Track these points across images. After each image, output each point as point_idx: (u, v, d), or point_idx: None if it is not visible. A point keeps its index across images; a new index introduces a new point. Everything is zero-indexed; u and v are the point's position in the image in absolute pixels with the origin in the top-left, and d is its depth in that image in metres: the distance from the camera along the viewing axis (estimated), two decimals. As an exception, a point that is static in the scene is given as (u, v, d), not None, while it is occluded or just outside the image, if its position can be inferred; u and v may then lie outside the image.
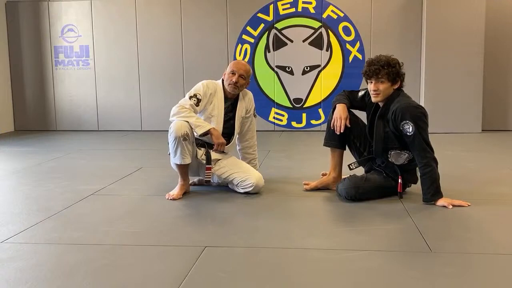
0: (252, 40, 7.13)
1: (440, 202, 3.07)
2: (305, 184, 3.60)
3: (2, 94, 7.49)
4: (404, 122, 3.05)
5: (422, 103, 6.78)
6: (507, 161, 4.73)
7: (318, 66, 7.07)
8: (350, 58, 7.03)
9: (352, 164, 3.45)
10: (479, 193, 3.46)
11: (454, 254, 2.32)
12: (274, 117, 7.23)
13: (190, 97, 3.42)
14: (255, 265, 2.24)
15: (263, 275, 2.13)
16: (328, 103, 7.05)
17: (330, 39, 7.03)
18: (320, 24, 7.02)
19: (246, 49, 7.15)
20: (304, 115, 7.19)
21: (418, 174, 3.16)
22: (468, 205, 3.06)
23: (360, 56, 6.99)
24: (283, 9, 7.06)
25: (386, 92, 3.16)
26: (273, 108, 7.21)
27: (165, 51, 7.29)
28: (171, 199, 3.35)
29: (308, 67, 7.08)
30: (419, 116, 3.06)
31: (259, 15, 7.09)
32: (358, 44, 6.99)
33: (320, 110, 7.14)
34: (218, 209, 3.16)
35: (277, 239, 2.57)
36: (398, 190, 3.23)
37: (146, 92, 7.40)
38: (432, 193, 3.08)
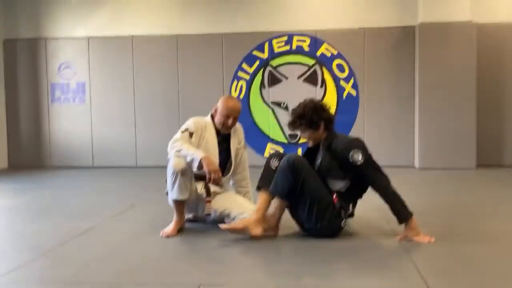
0: (247, 77, 7.22)
1: (420, 238, 3.04)
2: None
3: (-3, 131, 7.49)
4: (351, 153, 3.08)
5: (416, 140, 6.83)
6: (503, 197, 4.74)
7: (313, 102, 7.12)
8: (344, 95, 7.11)
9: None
10: (477, 230, 3.44)
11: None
12: (269, 153, 7.23)
13: (182, 132, 3.44)
14: (250, 304, 2.20)
15: (259, 314, 2.08)
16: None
17: (324, 76, 7.12)
18: (314, 61, 7.13)
19: (241, 85, 7.23)
20: (299, 150, 7.21)
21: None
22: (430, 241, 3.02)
23: (354, 93, 7.07)
24: (278, 47, 7.18)
25: (314, 136, 3.29)
26: (268, 143, 7.23)
27: (162, 87, 7.36)
28: (165, 237, 3.31)
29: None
30: (361, 145, 3.15)
31: (255, 52, 7.20)
32: (352, 81, 7.08)
33: (315, 146, 7.16)
34: (213, 246, 3.11)
35: (273, 277, 2.53)
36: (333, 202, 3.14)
37: (142, 129, 7.42)
38: (405, 210, 3.05)
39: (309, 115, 3.23)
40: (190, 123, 3.51)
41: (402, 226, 3.10)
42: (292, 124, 3.33)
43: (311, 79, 7.14)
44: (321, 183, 3.15)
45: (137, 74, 7.39)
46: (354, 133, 6.96)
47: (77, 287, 2.43)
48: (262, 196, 3.23)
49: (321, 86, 7.14)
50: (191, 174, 3.36)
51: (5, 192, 5.42)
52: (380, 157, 7.43)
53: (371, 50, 7.03)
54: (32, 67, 7.58)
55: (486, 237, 3.24)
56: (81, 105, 7.51)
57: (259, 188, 3.28)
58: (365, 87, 7.06)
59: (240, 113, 3.62)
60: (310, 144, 3.35)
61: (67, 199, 4.90)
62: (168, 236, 3.31)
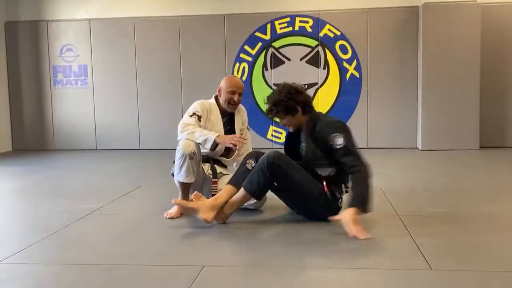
0: (250, 59, 7.18)
1: (354, 228, 2.81)
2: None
3: (1, 114, 7.50)
4: (333, 135, 3.03)
5: (419, 121, 6.82)
6: (506, 178, 4.74)
7: (316, 84, 7.11)
8: (347, 76, 7.07)
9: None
10: (479, 211, 3.46)
11: (454, 272, 2.31)
12: (272, 135, 7.24)
13: (190, 116, 3.45)
14: (254, 285, 2.22)
15: (262, 294, 2.11)
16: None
17: (327, 57, 7.08)
18: (317, 42, 7.08)
19: (244, 67, 7.20)
20: (302, 132, 7.20)
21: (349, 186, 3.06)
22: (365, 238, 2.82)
23: (357, 74, 7.04)
24: (280, 28, 7.13)
25: (294, 122, 3.24)
26: (271, 126, 7.23)
27: (164, 70, 7.34)
28: (169, 218, 3.34)
29: (306, 85, 7.12)
30: (344, 128, 3.08)
31: (257, 34, 7.15)
32: (355, 62, 7.04)
33: (318, 128, 7.15)
34: (216, 228, 3.14)
35: (276, 258, 2.55)
36: (325, 190, 3.10)
37: (144, 111, 7.42)
38: (369, 202, 2.91)
39: (285, 101, 3.17)
40: (196, 106, 3.53)
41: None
42: (270, 112, 3.25)
43: (314, 60, 7.10)
44: (307, 174, 3.10)
45: (139, 56, 7.36)
46: (357, 115, 6.96)
47: (81, 268, 2.46)
48: (228, 187, 3.18)
49: (324, 68, 7.10)
50: (200, 158, 3.39)
51: (9, 174, 5.45)
52: (383, 139, 7.40)
53: (375, 31, 6.98)
54: (34, 50, 7.55)
55: (488, 218, 3.25)
56: (83, 88, 7.50)
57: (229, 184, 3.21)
58: (368, 69, 7.02)
59: (244, 89, 3.67)
60: (291, 129, 3.30)
61: (71, 182, 4.93)
62: (172, 218, 3.34)
